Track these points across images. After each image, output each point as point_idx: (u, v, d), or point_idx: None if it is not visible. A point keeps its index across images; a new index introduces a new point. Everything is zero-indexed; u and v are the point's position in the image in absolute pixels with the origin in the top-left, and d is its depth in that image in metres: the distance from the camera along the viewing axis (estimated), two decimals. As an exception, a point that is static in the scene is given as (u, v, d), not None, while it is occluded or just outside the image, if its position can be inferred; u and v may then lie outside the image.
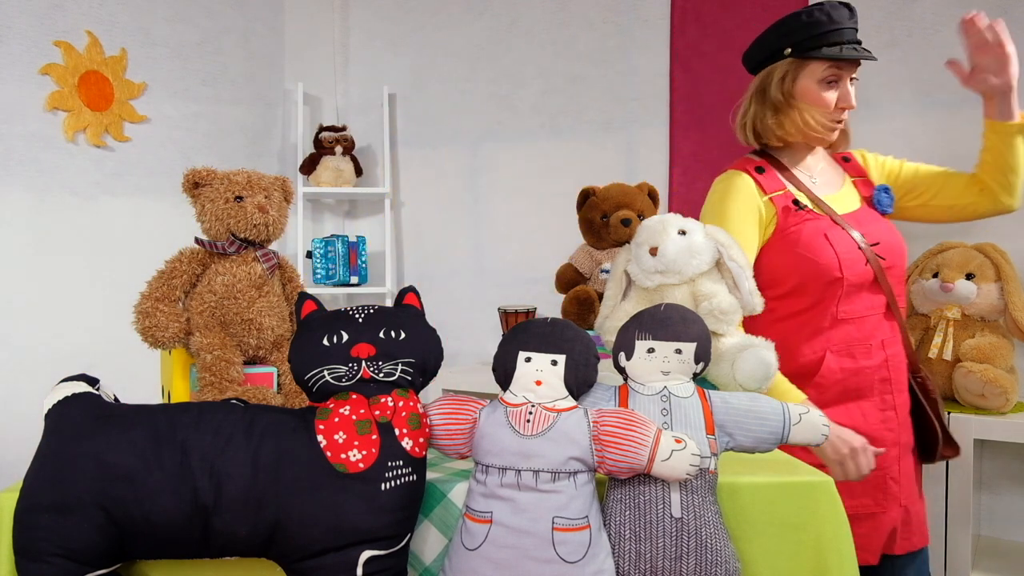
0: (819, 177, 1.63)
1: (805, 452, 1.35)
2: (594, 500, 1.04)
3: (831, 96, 1.53)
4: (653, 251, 1.26)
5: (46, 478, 0.96)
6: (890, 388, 1.55)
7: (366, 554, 0.98)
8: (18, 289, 2.30)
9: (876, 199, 1.61)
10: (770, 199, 1.56)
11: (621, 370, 1.14)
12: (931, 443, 1.61)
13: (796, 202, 1.56)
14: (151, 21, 2.66)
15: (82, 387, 1.04)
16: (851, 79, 1.55)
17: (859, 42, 1.53)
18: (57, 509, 0.94)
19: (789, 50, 1.53)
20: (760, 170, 1.59)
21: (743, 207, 1.55)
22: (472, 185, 3.12)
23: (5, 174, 2.27)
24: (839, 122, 1.57)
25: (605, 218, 1.48)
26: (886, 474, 1.52)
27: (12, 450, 2.26)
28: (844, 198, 1.62)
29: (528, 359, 1.09)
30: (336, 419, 1.01)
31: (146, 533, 0.96)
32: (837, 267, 1.50)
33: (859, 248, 1.53)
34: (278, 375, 1.35)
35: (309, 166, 3.11)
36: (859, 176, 1.68)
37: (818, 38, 1.50)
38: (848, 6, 1.52)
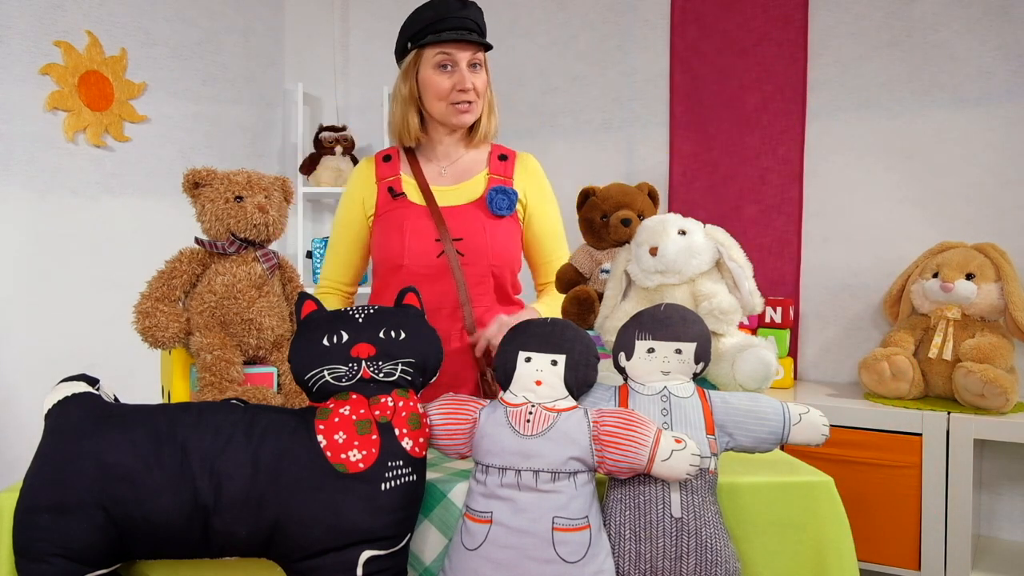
0: (451, 169, 1.69)
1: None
2: (594, 500, 1.04)
3: (445, 80, 1.59)
4: (653, 251, 1.26)
5: (46, 478, 0.96)
6: (450, 381, 1.56)
7: (366, 554, 0.98)
8: (18, 289, 2.30)
9: (488, 199, 1.65)
10: (378, 183, 1.68)
11: (621, 370, 1.14)
12: None
13: (391, 189, 1.65)
14: (151, 21, 2.66)
15: (82, 387, 1.04)
16: (474, 65, 1.61)
17: (476, 31, 1.60)
18: (57, 509, 0.94)
19: (409, 44, 1.63)
20: (387, 158, 1.70)
21: (352, 194, 1.71)
22: (472, 185, 3.12)
23: (5, 174, 2.26)
24: (460, 104, 1.61)
25: (605, 218, 1.47)
26: None
27: (12, 450, 2.26)
28: (462, 191, 1.67)
29: (528, 359, 1.09)
30: (336, 419, 1.01)
31: (146, 533, 0.96)
32: (400, 254, 1.59)
33: (436, 240, 1.59)
34: (278, 375, 1.35)
35: (309, 166, 3.11)
36: (501, 176, 1.70)
37: (427, 28, 1.58)
38: (463, 2, 1.60)
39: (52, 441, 0.98)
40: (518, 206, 1.70)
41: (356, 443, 0.99)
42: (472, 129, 1.70)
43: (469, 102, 1.61)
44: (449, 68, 1.59)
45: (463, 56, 1.59)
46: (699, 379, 1.15)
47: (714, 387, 1.21)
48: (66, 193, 2.42)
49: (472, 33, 1.59)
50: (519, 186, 1.71)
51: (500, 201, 1.64)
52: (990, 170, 2.27)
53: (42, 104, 2.35)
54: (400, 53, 1.68)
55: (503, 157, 1.73)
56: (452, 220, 1.61)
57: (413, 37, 1.62)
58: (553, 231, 1.76)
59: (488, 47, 1.63)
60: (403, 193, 1.64)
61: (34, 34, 2.32)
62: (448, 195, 1.66)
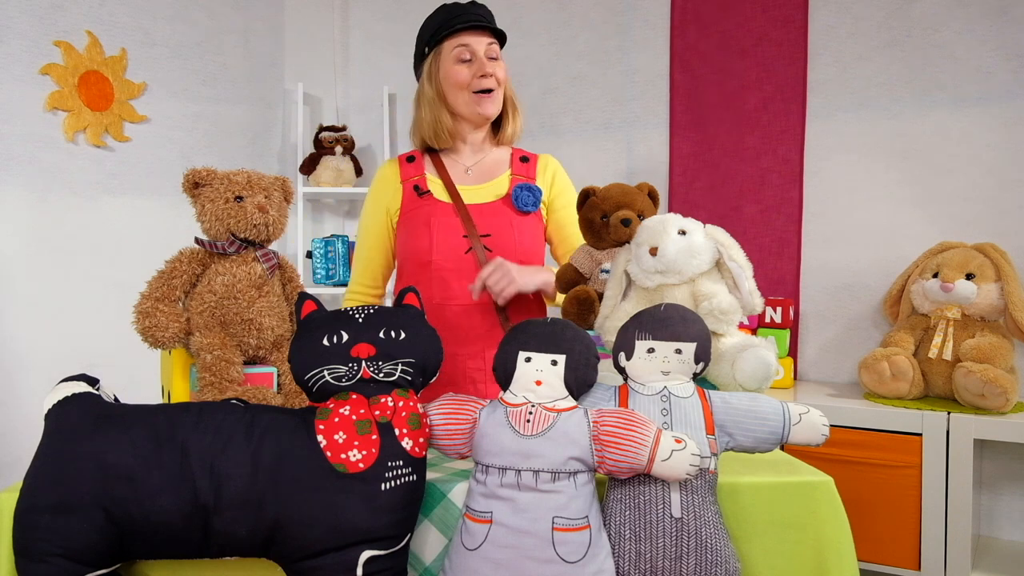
0: (476, 168, 1.71)
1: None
2: (594, 500, 1.04)
3: (465, 70, 1.63)
4: (653, 251, 1.26)
5: (46, 478, 0.95)
6: (484, 378, 1.60)
7: (366, 554, 0.98)
8: (18, 289, 2.30)
9: (514, 195, 1.66)
10: (403, 184, 1.70)
11: (621, 370, 1.14)
12: None
13: (417, 187, 1.67)
14: (151, 21, 2.66)
15: (82, 387, 1.04)
16: (492, 57, 1.65)
17: (488, 25, 1.64)
18: (57, 509, 0.94)
19: (427, 49, 1.68)
20: (410, 159, 1.73)
21: (376, 195, 1.72)
22: (472, 185, 3.12)
23: (5, 174, 2.27)
24: (482, 92, 1.64)
25: (605, 218, 1.47)
26: None
27: (12, 450, 2.26)
28: (488, 189, 1.68)
29: (528, 359, 1.09)
30: (336, 419, 1.01)
31: (146, 533, 0.96)
32: (428, 250, 1.60)
33: (464, 236, 1.60)
34: (278, 375, 1.35)
35: (309, 166, 3.11)
36: (524, 176, 1.72)
37: (442, 27, 1.64)
38: (473, 2, 1.68)
39: (52, 441, 0.98)
40: (542, 204, 1.72)
41: (356, 443, 0.99)
42: (498, 127, 1.73)
43: (490, 89, 1.64)
44: (468, 59, 1.63)
45: (480, 46, 1.63)
46: (699, 379, 1.15)
47: (714, 387, 1.21)
48: (66, 193, 2.42)
49: (488, 25, 1.64)
50: (542, 185, 1.73)
51: (525, 197, 1.66)
52: (990, 170, 2.27)
53: (42, 104, 2.35)
54: (419, 60, 1.71)
55: (524, 159, 1.76)
56: (479, 217, 1.62)
57: (429, 40, 1.66)
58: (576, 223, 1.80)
59: (503, 37, 1.67)
60: (429, 191, 1.66)
61: (34, 34, 2.33)
62: (474, 193, 1.68)
